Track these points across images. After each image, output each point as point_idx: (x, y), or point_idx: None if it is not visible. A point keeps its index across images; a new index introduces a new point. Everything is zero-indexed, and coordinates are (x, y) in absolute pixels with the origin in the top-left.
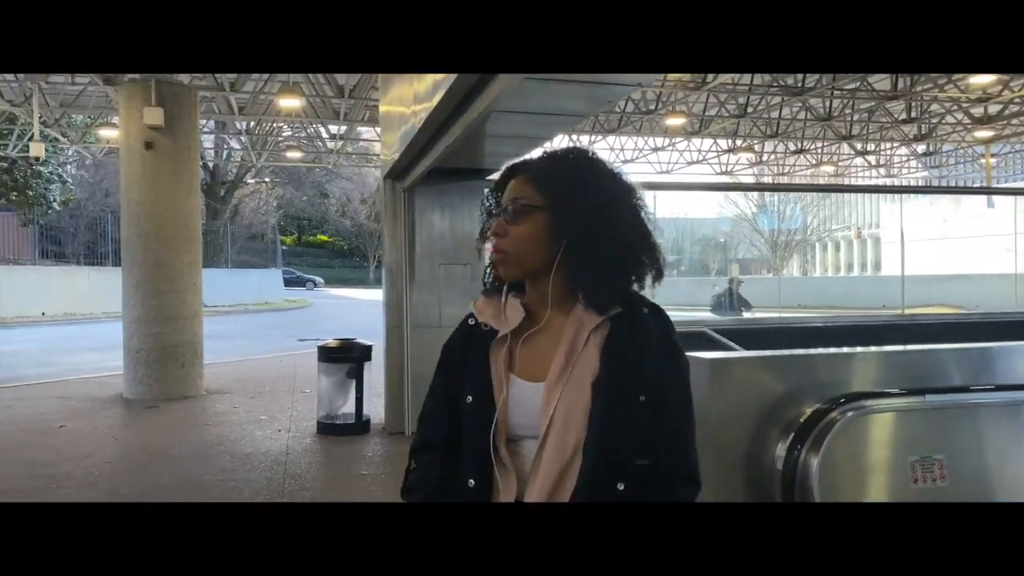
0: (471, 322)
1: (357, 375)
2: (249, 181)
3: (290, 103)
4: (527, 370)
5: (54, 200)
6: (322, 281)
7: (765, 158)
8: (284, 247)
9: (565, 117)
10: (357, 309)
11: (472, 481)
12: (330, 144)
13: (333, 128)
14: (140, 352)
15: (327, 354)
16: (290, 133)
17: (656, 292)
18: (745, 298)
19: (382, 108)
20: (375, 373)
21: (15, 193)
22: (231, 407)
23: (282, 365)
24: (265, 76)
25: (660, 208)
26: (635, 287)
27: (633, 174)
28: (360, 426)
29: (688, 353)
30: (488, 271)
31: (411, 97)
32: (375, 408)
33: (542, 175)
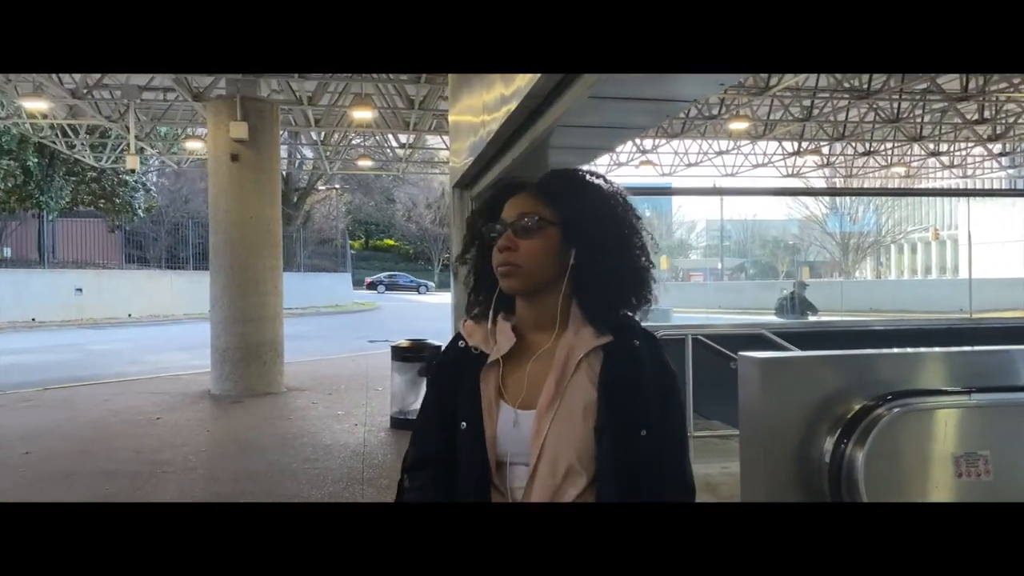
0: (461, 344)
1: (427, 373)
2: (320, 188)
3: (363, 115)
4: (516, 396)
5: (139, 207)
6: (433, 285)
7: (833, 160)
8: (352, 251)
9: (630, 130)
10: (424, 311)
11: None
12: (399, 152)
13: (402, 137)
14: (226, 351)
15: (400, 354)
16: (360, 142)
17: (720, 296)
18: (811, 302)
19: (451, 118)
20: None
21: (103, 200)
22: (310, 403)
23: (355, 365)
24: (340, 88)
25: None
26: (629, 311)
27: (697, 177)
28: None
29: (740, 353)
30: (471, 295)
31: (480, 107)
32: None
33: (551, 191)
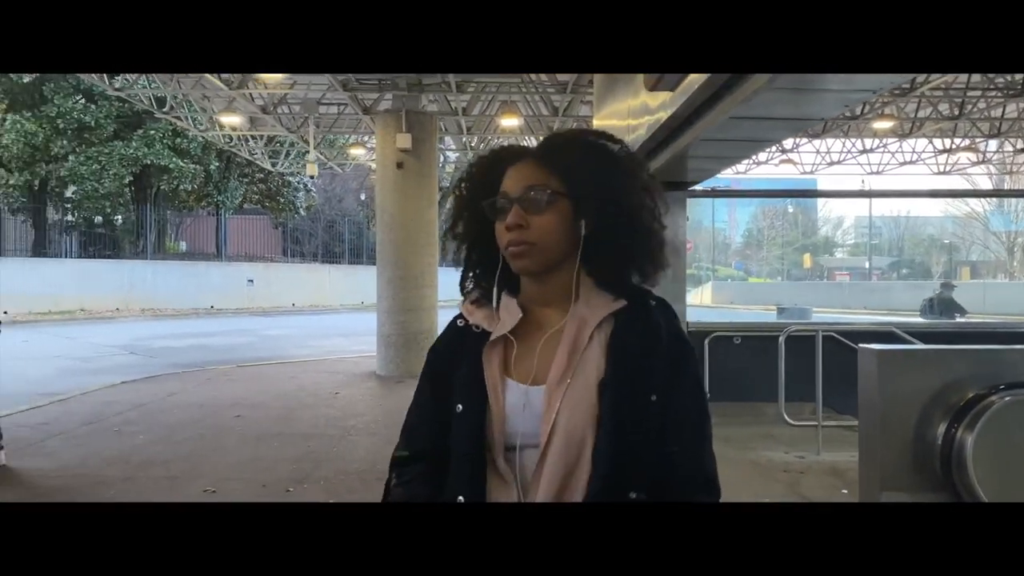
0: (460, 323)
1: None
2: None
3: (510, 122)
4: (525, 373)
5: (300, 206)
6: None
7: (990, 157)
8: None
9: (769, 142)
10: None
11: (461, 498)
12: None
13: None
14: (389, 337)
15: None
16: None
17: (866, 296)
18: (959, 304)
19: (596, 122)
20: None
21: (268, 200)
22: None
23: None
24: (489, 98)
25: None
26: (644, 278)
27: (841, 175)
28: None
29: (860, 345)
30: (471, 274)
31: (625, 111)
32: None
33: (558, 158)
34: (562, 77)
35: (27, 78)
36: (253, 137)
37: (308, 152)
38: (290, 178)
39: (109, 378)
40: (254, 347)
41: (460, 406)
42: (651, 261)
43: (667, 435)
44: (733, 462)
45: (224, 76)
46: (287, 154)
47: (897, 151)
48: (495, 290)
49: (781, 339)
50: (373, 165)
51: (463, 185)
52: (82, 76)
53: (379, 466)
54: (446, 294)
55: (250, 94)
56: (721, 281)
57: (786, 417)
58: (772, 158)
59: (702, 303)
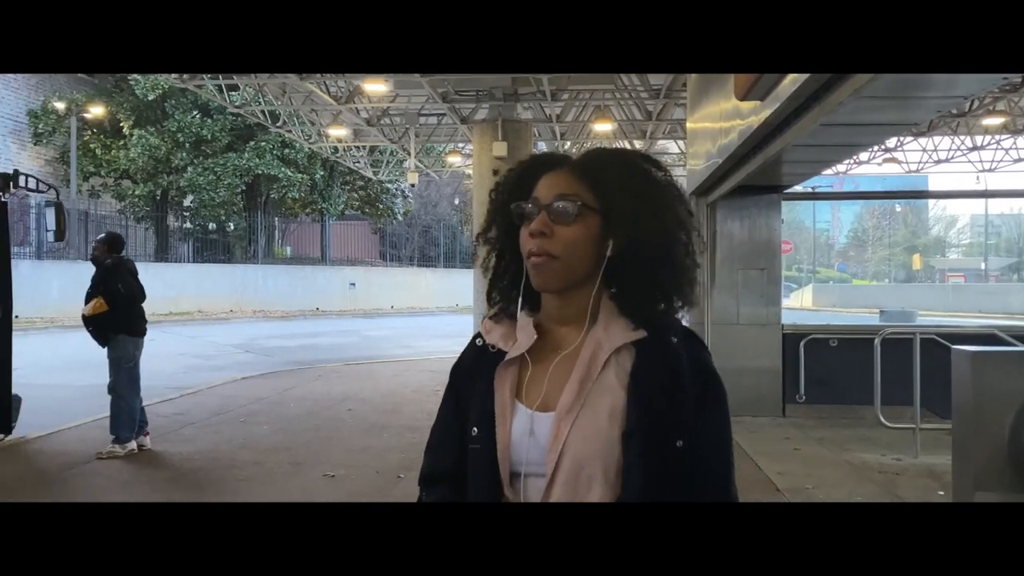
0: (479, 343)
1: None
2: None
3: (603, 127)
4: (537, 398)
5: (398, 212)
6: None
7: None
8: None
9: (863, 146)
10: None
11: None
12: None
13: (638, 143)
14: None
15: None
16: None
17: (981, 299)
18: None
19: (689, 125)
20: None
21: (368, 206)
22: None
23: None
24: (582, 105)
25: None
26: (665, 310)
27: (950, 174)
28: None
29: (953, 347)
30: (498, 285)
31: (718, 114)
32: None
33: (595, 172)
34: (655, 82)
35: (151, 95)
36: (356, 147)
37: (408, 161)
38: (388, 185)
39: (230, 374)
40: (358, 347)
41: (475, 429)
42: (677, 295)
43: (692, 477)
44: (827, 462)
45: (333, 92)
46: (387, 163)
47: (1012, 147)
48: (519, 304)
49: (876, 341)
50: (468, 171)
51: (499, 188)
52: (200, 92)
53: None
54: None
55: (356, 108)
56: (822, 283)
57: (882, 419)
58: (874, 157)
59: (802, 306)
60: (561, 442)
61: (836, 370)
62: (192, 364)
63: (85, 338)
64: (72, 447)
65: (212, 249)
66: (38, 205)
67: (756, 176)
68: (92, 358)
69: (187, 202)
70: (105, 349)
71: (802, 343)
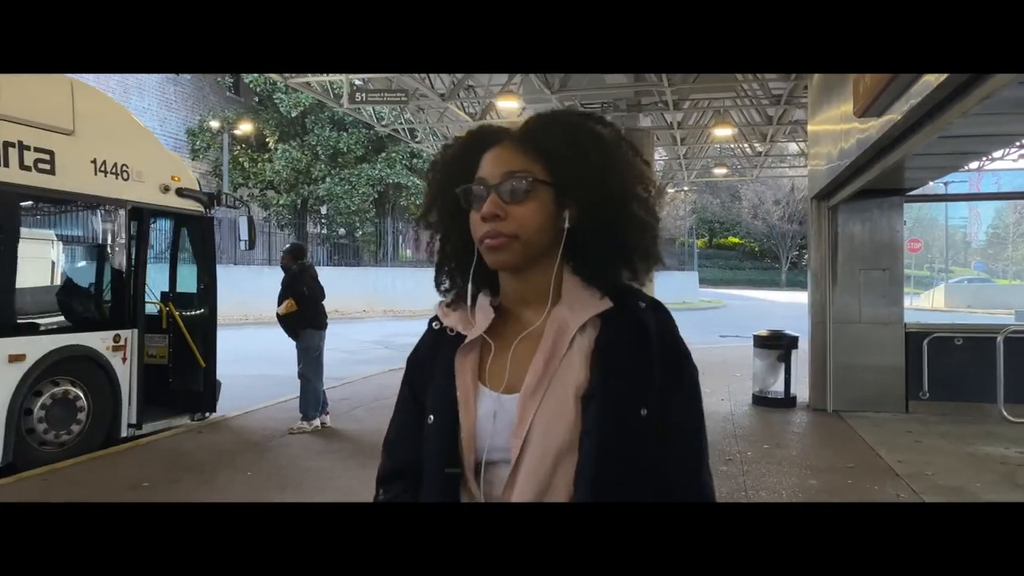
0: (435, 326)
1: (786, 359)
2: (669, 190)
3: (724, 132)
4: (500, 380)
5: None
6: None
7: None
8: (696, 250)
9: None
10: (770, 310)
11: None
12: (754, 161)
13: (757, 146)
14: None
15: (761, 341)
16: (717, 150)
17: None
18: None
19: (811, 128)
20: (800, 360)
21: None
22: None
23: (711, 354)
24: (700, 114)
25: None
26: (634, 275)
27: None
28: (788, 401)
29: None
30: (446, 269)
31: (838, 116)
32: (800, 388)
33: (540, 142)
34: (775, 88)
35: (294, 112)
36: None
37: None
38: None
39: (375, 367)
40: None
41: (432, 417)
42: (642, 257)
43: (660, 453)
44: (948, 453)
45: (469, 110)
46: None
47: None
48: (470, 287)
49: (999, 339)
50: None
51: (437, 168)
52: (337, 108)
53: None
54: (665, 297)
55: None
56: (956, 283)
57: (1006, 414)
58: (1009, 153)
59: (932, 307)
60: (527, 425)
61: (961, 368)
62: (340, 358)
63: (260, 332)
64: (266, 424)
65: (343, 253)
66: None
67: (877, 181)
68: (268, 351)
69: (323, 210)
70: (295, 342)
71: (925, 341)
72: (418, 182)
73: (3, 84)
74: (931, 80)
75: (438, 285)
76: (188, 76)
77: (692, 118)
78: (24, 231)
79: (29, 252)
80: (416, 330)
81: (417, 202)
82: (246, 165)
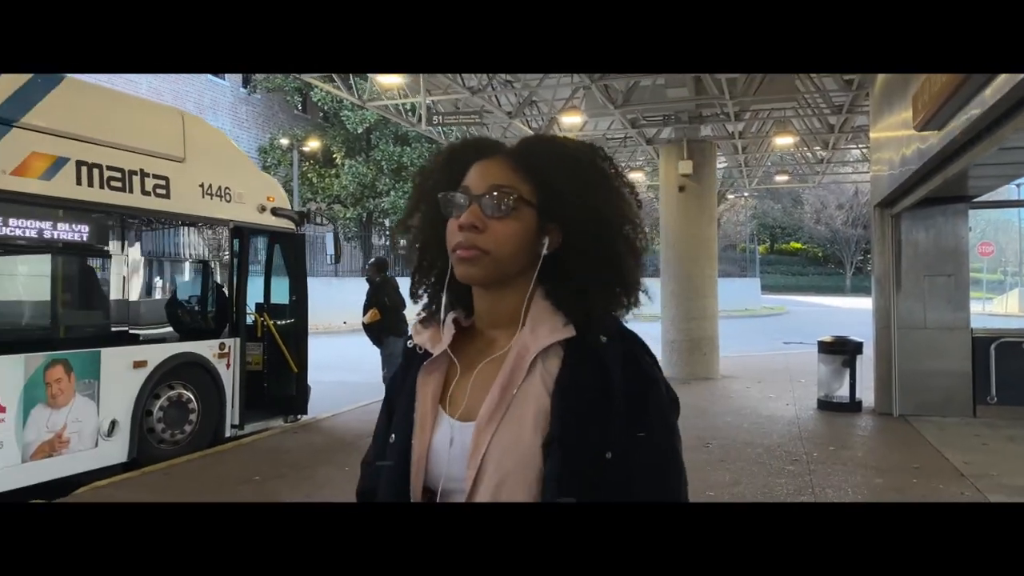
0: (410, 344)
1: (851, 364)
2: (729, 196)
3: (785, 140)
4: (458, 407)
5: None
6: None
7: None
8: (757, 256)
9: None
10: (833, 317)
11: None
12: (817, 168)
13: (820, 152)
14: (674, 343)
15: (826, 347)
16: (778, 157)
17: None
18: None
19: (872, 135)
20: (864, 365)
21: None
22: (744, 387)
23: (774, 361)
24: (761, 124)
25: None
26: (605, 310)
27: None
28: (853, 405)
29: None
30: (424, 281)
31: (900, 122)
32: (866, 394)
33: (532, 162)
34: (836, 98)
35: (360, 129)
36: None
37: None
38: None
39: None
40: None
41: (393, 436)
42: (617, 295)
43: (629, 493)
44: (1015, 455)
45: (532, 125)
46: None
47: None
48: (444, 299)
49: None
50: (644, 183)
51: (424, 173)
52: (400, 122)
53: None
54: (727, 304)
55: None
56: None
57: None
58: None
59: (1006, 312)
60: (480, 454)
61: None
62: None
63: (333, 341)
64: (353, 425)
65: (402, 263)
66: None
67: (940, 190)
68: (341, 358)
69: (387, 222)
70: (379, 348)
71: (993, 346)
72: None
73: (126, 117)
74: (988, 96)
75: (414, 296)
76: (259, 96)
77: (753, 126)
78: (144, 250)
79: (147, 268)
80: None
81: None
82: (314, 180)
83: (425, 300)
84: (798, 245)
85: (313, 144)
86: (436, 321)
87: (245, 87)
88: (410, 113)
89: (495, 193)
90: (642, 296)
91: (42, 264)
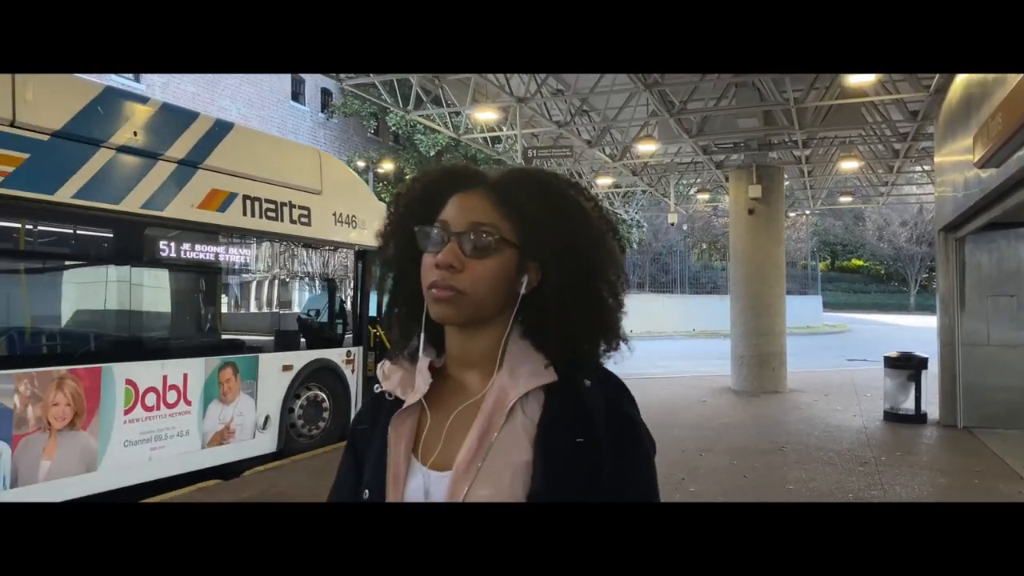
0: (377, 390)
1: (916, 379)
2: (790, 215)
3: (850, 164)
4: (435, 454)
5: (634, 241)
6: None
7: None
8: (819, 273)
9: None
10: (895, 335)
11: None
12: (881, 189)
13: (883, 174)
14: (743, 358)
15: (892, 361)
16: (843, 178)
17: None
18: None
19: (937, 159)
20: (929, 380)
21: None
22: (812, 400)
23: (839, 376)
24: (824, 149)
25: None
26: (581, 354)
27: None
28: (918, 417)
29: None
30: (387, 314)
31: (961, 149)
32: (930, 408)
33: (514, 199)
34: (903, 128)
35: (432, 152)
36: (615, 189)
37: (671, 205)
38: (624, 216)
39: None
40: (612, 367)
41: (366, 492)
42: (596, 341)
43: None
44: None
45: (609, 152)
46: (637, 201)
47: None
48: (422, 339)
49: None
50: (703, 201)
51: (399, 201)
52: (491, 154)
53: (753, 445)
54: (794, 321)
55: (625, 165)
56: None
57: None
58: None
59: None
60: None
61: None
62: None
63: None
64: None
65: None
66: None
67: (1001, 217)
68: None
69: None
70: None
71: None
72: None
73: (277, 156)
74: None
75: (386, 330)
76: (336, 120)
77: (820, 150)
78: (288, 271)
79: (290, 286)
80: None
81: None
82: (387, 200)
83: (396, 334)
84: (860, 262)
85: (387, 166)
86: (405, 364)
87: (323, 112)
88: (501, 144)
89: (475, 232)
90: (624, 346)
91: (215, 282)
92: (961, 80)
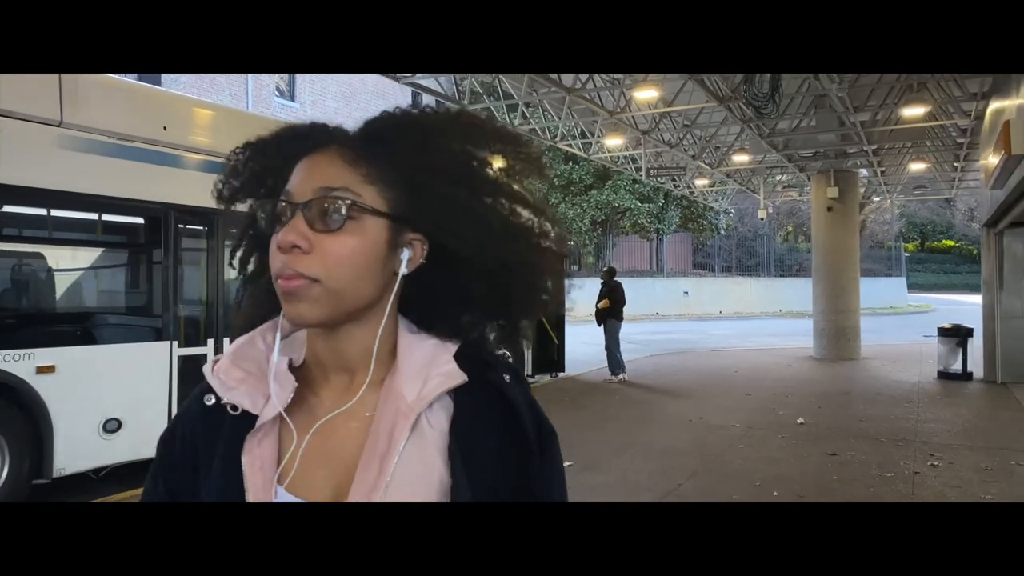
0: (208, 402)
1: (963, 345)
2: (875, 199)
3: (918, 166)
4: (310, 482)
5: (721, 227)
6: None
7: None
8: (906, 254)
9: None
10: (978, 313)
11: None
12: (951, 184)
13: (948, 170)
14: (823, 330)
15: (945, 331)
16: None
17: None
18: None
19: (980, 163)
20: (974, 348)
21: (692, 223)
22: (880, 365)
23: (909, 348)
24: (899, 152)
25: None
26: (500, 340)
27: None
28: (965, 376)
29: None
30: (237, 310)
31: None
32: (976, 367)
33: (373, 149)
34: (959, 140)
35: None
36: (709, 186)
37: (760, 201)
38: (712, 204)
39: (633, 356)
40: (708, 341)
41: None
42: (514, 319)
43: None
44: None
45: (708, 161)
46: (727, 194)
47: None
48: (278, 342)
49: None
50: (790, 195)
51: (237, 164)
52: (619, 170)
53: (826, 391)
54: (872, 302)
55: (721, 170)
56: None
57: None
58: None
59: None
60: None
61: None
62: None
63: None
64: (592, 378)
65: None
66: None
67: (1021, 218)
68: (581, 335)
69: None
70: (601, 327)
71: None
72: (640, 204)
73: None
74: None
75: (233, 337)
76: None
77: (890, 156)
78: None
79: None
80: (648, 331)
81: (640, 220)
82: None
83: (241, 331)
84: (951, 243)
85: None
86: (255, 367)
87: None
88: (629, 162)
89: (324, 199)
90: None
91: None
92: (990, 110)
